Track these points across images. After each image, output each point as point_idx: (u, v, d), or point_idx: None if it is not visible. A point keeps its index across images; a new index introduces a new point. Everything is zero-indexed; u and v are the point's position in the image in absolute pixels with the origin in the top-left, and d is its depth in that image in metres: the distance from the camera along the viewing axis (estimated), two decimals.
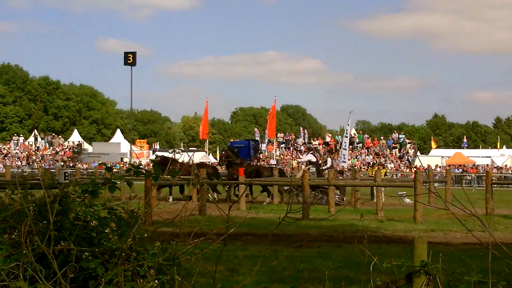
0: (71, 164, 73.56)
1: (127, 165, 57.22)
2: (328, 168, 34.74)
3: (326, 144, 79.09)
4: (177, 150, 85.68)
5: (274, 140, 78.33)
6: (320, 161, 36.73)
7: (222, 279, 5.70)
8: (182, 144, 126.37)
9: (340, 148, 59.50)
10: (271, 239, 15.43)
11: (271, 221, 20.53)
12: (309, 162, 35.20)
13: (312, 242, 15.25)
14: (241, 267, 11.12)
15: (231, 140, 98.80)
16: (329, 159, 36.38)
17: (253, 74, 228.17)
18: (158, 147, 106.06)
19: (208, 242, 5.93)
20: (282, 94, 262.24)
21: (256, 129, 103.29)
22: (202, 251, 5.83)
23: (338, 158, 60.29)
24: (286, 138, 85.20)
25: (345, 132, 57.35)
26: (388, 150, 76.10)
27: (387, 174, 50.39)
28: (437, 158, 77.61)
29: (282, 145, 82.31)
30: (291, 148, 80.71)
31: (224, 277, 8.70)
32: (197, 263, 5.87)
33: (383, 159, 70.52)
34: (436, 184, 35.84)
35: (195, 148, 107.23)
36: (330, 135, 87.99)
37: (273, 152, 77.33)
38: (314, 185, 29.14)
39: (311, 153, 36.79)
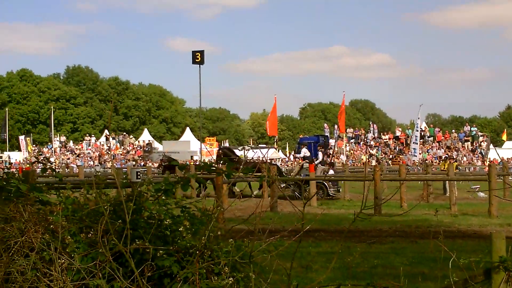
0: (142, 163, 74.56)
1: (197, 163, 57.72)
2: (319, 162, 33.88)
3: (397, 138, 78.34)
4: (247, 148, 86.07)
5: (344, 135, 77.83)
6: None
7: (295, 276, 5.68)
8: (251, 141, 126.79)
9: (411, 142, 58.78)
10: (343, 235, 15.36)
11: (343, 217, 20.42)
12: (304, 157, 34.60)
13: (385, 238, 15.10)
14: (314, 263, 11.09)
15: (300, 136, 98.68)
16: (320, 153, 35.43)
17: (321, 69, 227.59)
18: (227, 144, 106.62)
19: (282, 240, 5.92)
20: (351, 89, 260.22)
21: (325, 124, 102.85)
22: (276, 248, 5.83)
23: (409, 153, 59.61)
24: (356, 133, 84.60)
25: (416, 126, 56.63)
26: (460, 143, 74.82)
27: (459, 167, 49.46)
28: (510, 150, 75.89)
29: (352, 140, 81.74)
30: (361, 143, 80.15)
31: (298, 274, 8.69)
32: (271, 260, 5.87)
33: (455, 152, 69.39)
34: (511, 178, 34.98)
35: (265, 145, 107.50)
36: (400, 129, 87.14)
37: (342, 147, 76.89)
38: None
39: (305, 148, 36.11)
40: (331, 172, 33.05)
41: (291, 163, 67.89)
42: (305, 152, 34.93)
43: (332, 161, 41.66)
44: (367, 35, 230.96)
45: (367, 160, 68.27)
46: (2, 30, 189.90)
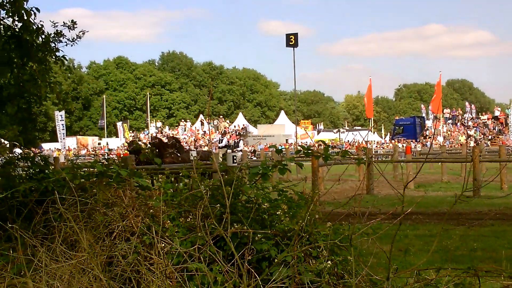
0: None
1: (292, 146, 57.77)
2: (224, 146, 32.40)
3: (496, 118, 76.38)
4: (342, 130, 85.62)
5: (441, 116, 76.36)
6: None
7: (393, 259, 5.60)
8: (346, 123, 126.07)
9: (510, 122, 57.21)
10: (441, 218, 15.09)
11: (440, 199, 20.07)
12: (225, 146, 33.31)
13: (485, 221, 14.73)
14: (412, 247, 10.93)
15: (396, 117, 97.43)
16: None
17: (417, 49, 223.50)
18: (322, 127, 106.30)
19: (380, 223, 5.86)
20: (447, 68, 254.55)
21: (422, 105, 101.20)
22: (375, 231, 5.77)
23: (508, 133, 58.04)
24: (453, 114, 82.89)
25: None
26: None
27: None
28: None
29: (449, 121, 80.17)
30: (459, 123, 78.54)
31: (396, 257, 8.60)
32: (367, 243, 5.81)
33: None
34: None
35: (360, 127, 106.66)
36: (499, 108, 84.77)
37: (439, 128, 75.50)
38: None
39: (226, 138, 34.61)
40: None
41: (387, 145, 67.09)
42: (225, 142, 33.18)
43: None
44: (465, 13, 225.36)
45: (465, 141, 66.89)
46: (100, 18, 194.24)
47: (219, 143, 30.35)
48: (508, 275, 5.10)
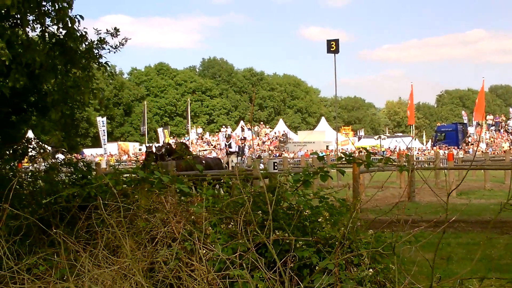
0: (277, 154, 75.13)
1: (332, 153, 57.59)
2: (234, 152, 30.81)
3: None
4: (383, 136, 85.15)
5: (484, 123, 75.53)
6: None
7: (436, 267, 5.54)
8: (387, 129, 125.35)
9: None
10: (485, 226, 14.89)
11: (483, 207, 19.80)
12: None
13: None
14: (454, 255, 10.82)
15: (438, 124, 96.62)
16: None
17: (459, 55, 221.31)
18: (363, 133, 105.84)
19: (423, 231, 5.81)
20: (490, 74, 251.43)
21: (463, 111, 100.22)
22: (417, 239, 5.72)
23: None
24: (496, 120, 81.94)
25: None
26: None
27: None
28: None
29: (492, 128, 79.25)
30: (502, 130, 77.63)
31: (438, 265, 8.52)
32: (410, 251, 5.76)
33: None
34: None
35: (401, 134, 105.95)
36: None
37: (482, 135, 74.66)
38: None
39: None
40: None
41: (428, 152, 66.55)
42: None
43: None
44: (507, 17, 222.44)
45: (509, 148, 66.06)
46: (141, 25, 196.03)
47: (228, 147, 29.36)
48: None
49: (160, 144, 26.19)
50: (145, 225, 6.29)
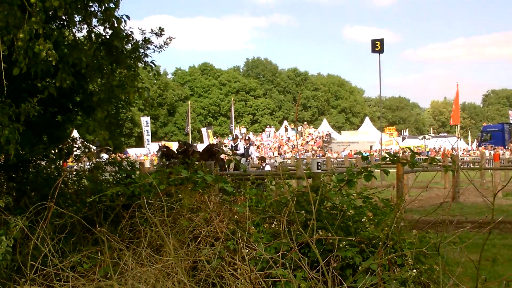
0: (320, 154, 74.91)
1: (376, 153, 57.24)
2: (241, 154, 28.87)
3: None
4: (427, 137, 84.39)
5: None
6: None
7: (481, 269, 5.47)
8: (432, 130, 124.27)
9: None
10: None
11: None
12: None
13: None
14: (500, 256, 10.68)
15: (484, 124, 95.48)
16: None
17: (507, 54, 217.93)
18: (407, 133, 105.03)
19: (468, 231, 5.75)
20: None
21: (510, 111, 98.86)
22: (462, 240, 5.66)
23: None
24: None
25: None
26: None
27: None
28: None
29: None
30: None
31: (483, 267, 8.43)
32: (454, 252, 5.71)
33: None
34: None
35: (446, 134, 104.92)
36: None
37: None
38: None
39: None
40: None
41: (474, 152, 65.77)
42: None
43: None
44: None
45: None
46: (185, 25, 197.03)
47: (235, 149, 27.94)
48: None
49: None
50: (188, 224, 6.32)
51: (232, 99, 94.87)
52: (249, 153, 28.39)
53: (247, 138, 32.90)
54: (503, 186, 6.78)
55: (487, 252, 10.99)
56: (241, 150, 28.02)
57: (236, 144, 29.10)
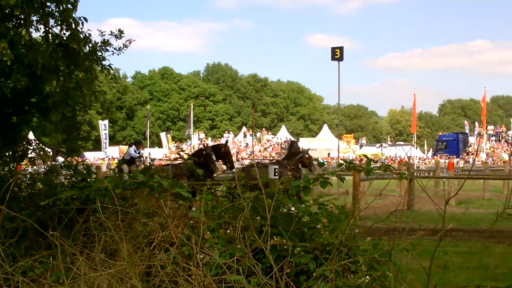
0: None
1: (334, 160, 57.55)
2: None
3: None
4: (384, 145, 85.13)
5: (484, 133, 75.62)
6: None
7: (432, 275, 5.54)
8: (389, 138, 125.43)
9: None
10: (482, 235, 14.92)
11: (481, 216, 19.82)
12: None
13: None
14: (451, 263, 10.83)
15: (439, 133, 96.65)
16: None
17: (462, 64, 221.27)
18: (365, 141, 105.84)
19: (420, 238, 5.81)
20: (493, 84, 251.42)
21: (465, 121, 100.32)
22: (414, 247, 5.72)
23: None
24: (497, 131, 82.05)
25: None
26: None
27: None
28: None
29: (492, 138, 79.33)
30: (502, 140, 77.69)
31: (435, 273, 8.51)
32: (406, 259, 5.77)
33: None
34: None
35: (402, 143, 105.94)
36: None
37: (482, 145, 74.72)
38: None
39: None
40: None
41: (429, 161, 66.54)
42: None
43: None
44: (511, 29, 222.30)
45: (509, 158, 66.06)
46: (146, 28, 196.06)
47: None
48: None
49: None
50: (143, 229, 6.28)
51: (192, 104, 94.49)
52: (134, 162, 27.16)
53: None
54: (454, 194, 6.88)
55: (439, 259, 11.12)
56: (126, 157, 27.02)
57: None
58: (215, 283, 5.51)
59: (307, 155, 20.68)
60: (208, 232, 6.17)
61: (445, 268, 9.73)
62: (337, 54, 49.95)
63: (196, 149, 30.06)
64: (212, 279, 5.54)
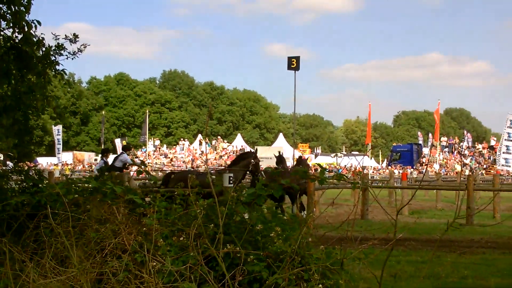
0: None
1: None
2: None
3: (491, 148, 76.59)
4: (339, 154, 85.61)
5: (438, 144, 76.58)
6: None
7: (384, 284, 5.58)
8: (344, 148, 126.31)
9: (500, 152, 57.17)
10: (434, 244, 15.08)
11: (434, 226, 20.03)
12: None
13: (476, 249, 14.74)
14: (403, 273, 10.92)
15: (394, 144, 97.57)
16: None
17: (417, 77, 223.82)
18: (320, 151, 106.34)
19: (373, 247, 5.84)
20: (446, 97, 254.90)
21: (419, 132, 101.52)
22: (367, 256, 5.75)
23: (498, 162, 58.08)
24: (450, 142, 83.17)
25: (507, 135, 55.48)
26: None
27: None
28: None
29: (445, 149, 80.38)
30: (455, 152, 78.73)
31: (387, 282, 8.60)
32: (359, 268, 5.79)
33: None
34: None
35: (357, 152, 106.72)
36: (495, 138, 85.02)
37: (436, 156, 75.65)
38: None
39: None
40: None
41: (383, 171, 67.12)
42: None
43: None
44: (465, 43, 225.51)
45: (461, 170, 67.00)
46: (102, 34, 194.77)
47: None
48: None
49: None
50: (95, 236, 6.20)
51: (147, 111, 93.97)
52: None
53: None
54: (406, 204, 6.95)
55: (392, 268, 11.21)
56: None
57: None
58: None
59: (253, 161, 20.25)
60: (161, 239, 6.11)
61: (396, 277, 9.80)
62: (293, 63, 50.14)
63: (235, 155, 29.94)
64: (164, 286, 5.49)
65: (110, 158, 24.09)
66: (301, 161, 24.73)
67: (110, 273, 5.73)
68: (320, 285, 5.56)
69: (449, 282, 10.60)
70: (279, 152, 25.72)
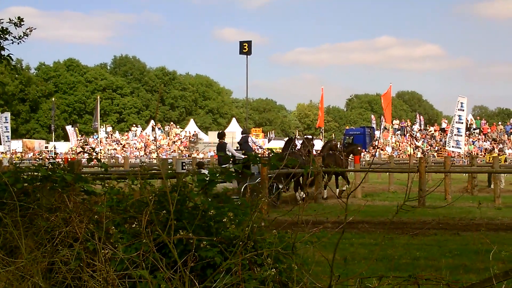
0: (187, 154, 74.87)
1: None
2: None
3: (443, 130, 77.67)
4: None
5: (390, 127, 77.38)
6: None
7: (337, 267, 5.61)
8: (297, 132, 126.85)
9: (452, 134, 57.93)
10: (387, 227, 15.27)
11: (387, 209, 20.30)
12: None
13: (428, 230, 14.97)
14: (356, 255, 11.03)
15: (347, 127, 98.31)
16: None
17: (369, 60, 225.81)
18: (273, 135, 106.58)
19: (325, 231, 5.87)
20: (398, 80, 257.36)
21: (372, 115, 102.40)
22: (319, 239, 5.78)
23: (449, 144, 58.81)
24: (402, 125, 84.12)
25: (458, 117, 56.21)
26: (506, 135, 73.70)
27: (507, 160, 48.66)
28: None
29: (397, 132, 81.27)
30: (407, 134, 79.65)
31: (339, 265, 8.67)
32: (313, 251, 5.82)
33: (501, 145, 68.24)
34: None
35: (311, 136, 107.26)
36: (446, 121, 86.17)
37: (388, 139, 76.44)
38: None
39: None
40: None
41: None
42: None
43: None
44: (416, 26, 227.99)
45: (413, 152, 67.82)
46: (50, 18, 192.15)
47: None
48: (446, 283, 5.16)
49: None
50: (45, 225, 6.12)
51: (98, 97, 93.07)
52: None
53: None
54: (356, 186, 7.00)
55: (345, 251, 11.33)
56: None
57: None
58: (119, 278, 5.43)
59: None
60: (113, 227, 6.06)
61: (346, 260, 9.90)
62: (245, 48, 50.13)
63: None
64: (116, 274, 5.45)
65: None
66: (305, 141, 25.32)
67: (62, 262, 5.67)
68: (273, 270, 5.58)
69: (401, 263, 10.75)
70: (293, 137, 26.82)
